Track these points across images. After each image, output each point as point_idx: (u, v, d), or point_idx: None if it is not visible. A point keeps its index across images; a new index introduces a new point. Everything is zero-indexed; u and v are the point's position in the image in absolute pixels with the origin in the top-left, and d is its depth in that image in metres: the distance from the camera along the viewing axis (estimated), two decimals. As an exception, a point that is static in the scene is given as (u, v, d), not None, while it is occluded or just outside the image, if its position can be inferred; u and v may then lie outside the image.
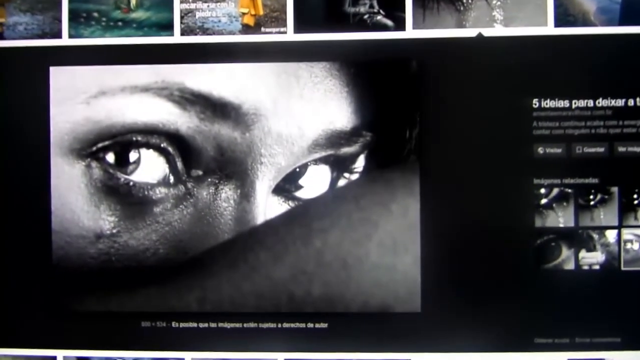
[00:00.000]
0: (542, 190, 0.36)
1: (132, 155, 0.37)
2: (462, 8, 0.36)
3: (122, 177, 0.38)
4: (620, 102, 0.36)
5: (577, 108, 0.36)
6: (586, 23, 0.36)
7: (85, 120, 0.38)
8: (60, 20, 0.38)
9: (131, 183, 0.37)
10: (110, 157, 0.38)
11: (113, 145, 0.38)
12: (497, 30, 0.37)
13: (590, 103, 0.36)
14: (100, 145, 0.38)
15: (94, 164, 0.38)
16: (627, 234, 0.36)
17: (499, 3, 0.36)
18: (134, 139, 0.38)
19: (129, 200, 0.38)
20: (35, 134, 0.38)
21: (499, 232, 0.37)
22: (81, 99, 0.38)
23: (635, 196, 0.36)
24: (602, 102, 0.36)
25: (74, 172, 0.38)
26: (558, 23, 0.36)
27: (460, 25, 0.36)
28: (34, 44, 0.38)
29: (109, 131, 0.38)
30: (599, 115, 0.36)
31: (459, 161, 0.37)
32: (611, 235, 0.36)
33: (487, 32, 0.36)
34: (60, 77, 0.38)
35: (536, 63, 0.37)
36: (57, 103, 0.38)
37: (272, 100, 0.37)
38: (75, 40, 0.38)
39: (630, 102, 0.36)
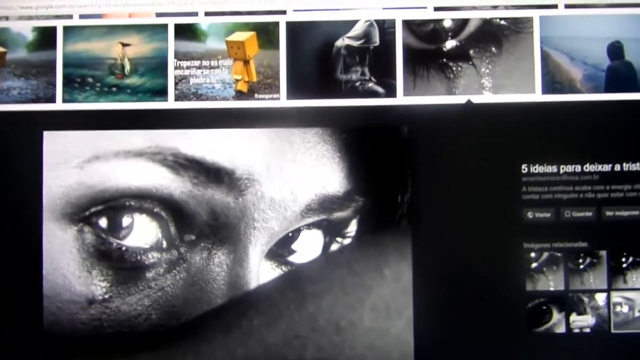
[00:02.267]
0: (533, 254, 0.37)
1: (125, 220, 0.38)
2: (451, 76, 0.37)
3: (115, 242, 0.38)
4: (607, 167, 0.37)
5: (565, 173, 0.37)
6: (573, 90, 0.38)
7: (79, 185, 0.39)
8: (54, 85, 0.39)
9: (124, 248, 0.38)
10: (103, 222, 0.38)
11: (106, 209, 0.39)
12: (486, 98, 0.38)
13: (578, 168, 0.37)
14: (93, 209, 0.39)
15: (86, 228, 0.38)
16: (616, 297, 0.37)
17: (487, 71, 0.37)
18: (127, 203, 0.38)
19: (122, 265, 0.38)
20: (28, 198, 0.39)
21: (490, 296, 0.37)
22: (75, 164, 0.39)
23: (623, 260, 0.37)
24: (589, 168, 0.37)
25: (66, 237, 0.39)
26: (545, 90, 0.38)
27: (450, 92, 0.38)
28: (27, 109, 0.39)
29: (102, 196, 0.39)
30: (587, 180, 0.37)
31: (450, 226, 0.38)
32: (601, 298, 0.37)
33: (476, 99, 0.38)
34: (54, 142, 0.39)
35: (524, 129, 0.38)
36: (50, 167, 0.39)
37: (266, 165, 0.38)
38: (69, 105, 0.39)
39: (617, 168, 0.37)
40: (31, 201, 0.41)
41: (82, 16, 0.41)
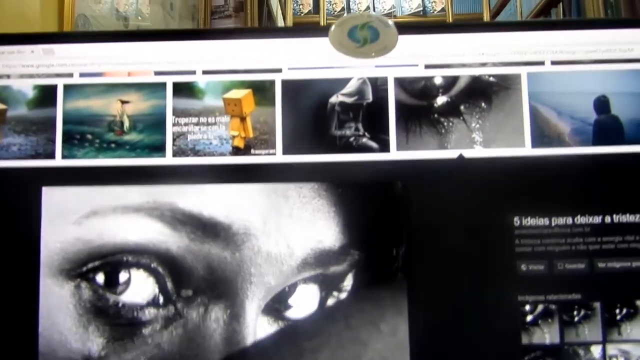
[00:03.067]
0: (527, 307, 0.38)
1: (122, 276, 0.39)
2: (443, 131, 0.39)
3: (112, 297, 0.38)
4: (597, 219, 0.38)
5: (557, 226, 0.38)
6: (562, 144, 0.39)
7: (76, 240, 0.39)
8: (53, 142, 0.40)
9: (120, 304, 0.38)
10: (100, 278, 0.39)
11: (103, 265, 0.39)
12: (477, 152, 0.39)
13: (570, 220, 0.38)
14: (90, 265, 0.39)
15: (83, 284, 0.39)
16: (611, 349, 0.38)
17: (477, 126, 0.39)
18: (125, 259, 0.39)
19: (118, 322, 0.38)
20: (26, 254, 0.39)
21: (486, 350, 0.38)
22: (73, 219, 0.40)
23: (617, 311, 0.38)
24: (580, 220, 0.38)
25: (63, 293, 0.39)
26: (535, 144, 0.39)
27: (442, 147, 0.39)
28: (27, 165, 0.40)
29: (99, 251, 0.39)
30: (579, 232, 0.38)
31: (445, 279, 0.38)
32: (596, 350, 0.38)
33: (468, 153, 0.38)
34: (53, 197, 0.40)
35: (516, 183, 0.39)
36: (49, 223, 0.39)
37: (262, 220, 0.39)
38: (69, 161, 0.40)
39: (607, 219, 0.38)
40: (29, 257, 0.41)
41: (82, 74, 0.43)
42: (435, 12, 3.08)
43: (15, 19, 0.79)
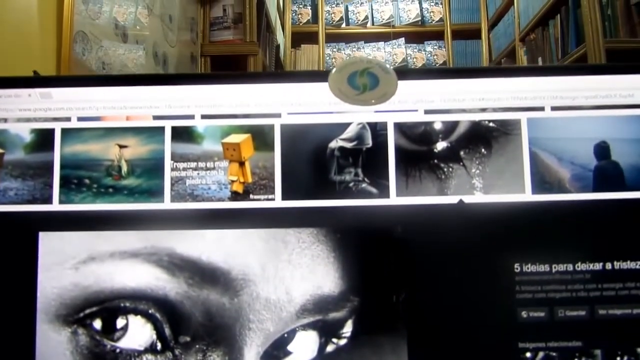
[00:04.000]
0: (528, 354, 0.38)
1: (120, 322, 0.38)
2: (443, 176, 0.38)
3: (109, 344, 0.38)
4: (598, 266, 0.38)
5: (558, 272, 0.38)
6: (562, 190, 0.39)
7: (74, 286, 0.39)
8: (51, 186, 0.39)
9: (118, 350, 0.38)
10: (98, 324, 0.39)
11: (101, 311, 0.39)
12: (478, 198, 0.38)
13: (570, 267, 0.38)
14: (87, 311, 0.39)
15: (80, 330, 0.39)
16: (613, 397, 0.37)
17: (478, 172, 0.39)
18: (122, 304, 0.39)
19: (116, 369, 0.38)
20: (22, 299, 0.38)
21: (487, 398, 0.37)
22: (70, 265, 0.39)
23: (618, 359, 0.37)
24: (581, 267, 0.38)
25: (59, 339, 0.39)
26: (535, 190, 0.39)
27: (442, 192, 0.39)
28: (24, 209, 0.39)
29: (97, 297, 0.39)
30: (579, 279, 0.38)
31: (445, 325, 0.38)
32: (598, 399, 0.37)
33: (468, 199, 0.38)
34: (50, 243, 0.40)
35: (516, 229, 0.39)
36: (46, 269, 0.39)
37: (261, 265, 0.38)
38: (66, 206, 0.39)
39: (608, 266, 0.38)
40: (25, 302, 0.41)
41: (80, 118, 0.42)
42: (433, 22, 3.09)
43: (14, 39, 0.79)
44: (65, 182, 0.43)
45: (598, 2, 1.99)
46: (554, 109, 0.43)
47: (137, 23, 1.29)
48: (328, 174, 0.43)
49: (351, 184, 0.43)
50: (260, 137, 0.43)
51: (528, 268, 0.42)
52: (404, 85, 0.42)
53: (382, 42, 3.09)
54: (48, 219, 0.43)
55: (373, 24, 3.11)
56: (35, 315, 0.41)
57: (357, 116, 0.43)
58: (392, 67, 0.41)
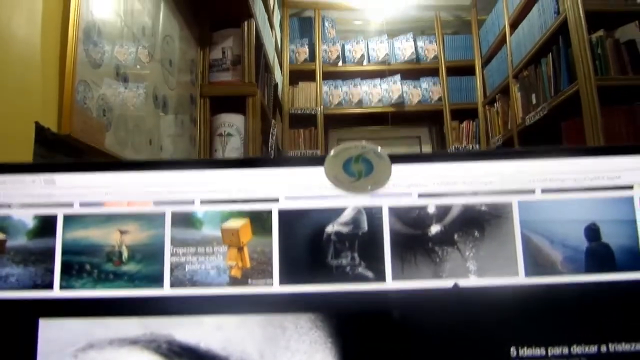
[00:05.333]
0: None
1: (118, 410, 0.38)
2: (438, 260, 0.39)
3: None
4: (593, 349, 0.38)
5: (554, 356, 0.39)
6: (555, 272, 0.39)
7: (72, 374, 0.39)
8: (52, 272, 0.40)
9: None
10: (96, 413, 0.38)
11: (99, 399, 0.38)
12: (472, 281, 0.39)
13: (566, 350, 0.38)
14: (86, 399, 0.38)
15: (78, 419, 0.38)
16: None
17: (472, 255, 0.39)
18: (121, 392, 0.38)
19: None
20: (20, 388, 0.38)
21: None
22: (69, 352, 0.40)
23: None
24: (576, 350, 0.39)
25: None
26: (528, 273, 0.39)
27: (437, 276, 0.39)
28: (24, 296, 0.40)
29: (95, 385, 0.38)
30: (575, 362, 0.38)
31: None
32: None
33: (463, 282, 0.39)
34: (49, 330, 0.40)
35: (511, 312, 0.39)
36: (45, 356, 0.40)
37: (259, 352, 0.39)
38: (66, 292, 0.40)
39: (603, 349, 0.38)
40: (23, 391, 0.41)
41: (82, 204, 0.43)
42: (428, 59, 3.16)
43: (16, 90, 0.81)
44: (66, 268, 0.44)
45: (588, 41, 2.04)
46: (544, 191, 0.44)
47: (137, 62, 1.32)
48: (325, 258, 0.43)
49: (348, 268, 0.43)
50: (259, 222, 0.44)
51: (524, 352, 0.42)
52: (397, 169, 0.44)
53: (379, 79, 3.15)
54: (48, 306, 0.43)
55: (369, 62, 3.18)
56: (33, 404, 0.41)
57: (353, 200, 0.44)
58: (386, 152, 0.42)
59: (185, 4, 1.75)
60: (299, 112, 3.10)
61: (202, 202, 0.44)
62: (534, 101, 2.47)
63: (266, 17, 2.42)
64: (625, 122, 2.01)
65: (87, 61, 1.04)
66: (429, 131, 3.25)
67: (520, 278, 0.43)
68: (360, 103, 3.12)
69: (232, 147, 1.95)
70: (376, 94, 3.14)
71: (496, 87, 2.90)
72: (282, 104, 3.05)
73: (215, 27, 2.01)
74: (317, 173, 0.44)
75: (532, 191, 0.44)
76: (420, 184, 0.44)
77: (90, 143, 1.00)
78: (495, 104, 2.95)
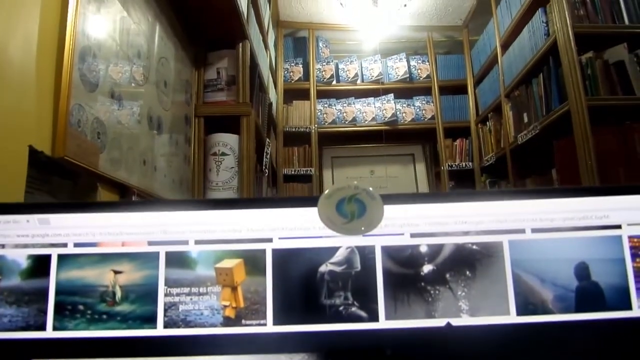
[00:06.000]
0: None
1: None
2: (430, 299, 0.39)
3: None
4: (585, 388, 0.38)
5: None
6: (546, 311, 0.40)
7: (64, 417, 0.38)
8: (45, 313, 0.40)
9: None
10: None
11: None
12: (464, 320, 0.39)
13: (557, 389, 0.38)
14: None
15: None
16: None
17: (463, 294, 0.40)
18: None
19: None
20: None
21: None
22: (61, 394, 0.39)
23: None
24: (568, 389, 0.38)
25: None
26: (520, 311, 0.39)
27: (429, 315, 0.40)
28: (17, 337, 0.39)
29: None
30: (567, 401, 0.38)
31: None
32: None
33: (455, 321, 0.39)
34: (42, 371, 0.39)
35: (503, 350, 0.39)
36: None
37: (253, 393, 0.38)
38: (59, 332, 0.40)
39: None
40: None
41: (76, 244, 0.43)
42: (421, 78, 3.19)
43: (9, 113, 0.81)
44: (59, 309, 0.44)
45: (578, 62, 2.08)
46: (534, 231, 0.45)
47: (132, 85, 1.32)
48: (318, 298, 0.44)
49: (341, 308, 0.44)
50: (252, 262, 0.44)
51: (516, 391, 0.42)
52: (390, 210, 0.44)
53: (372, 98, 3.17)
54: (41, 347, 0.43)
55: (363, 81, 3.21)
56: None
57: (346, 240, 0.44)
58: (379, 193, 0.43)
59: (180, 25, 1.77)
60: (293, 129, 3.11)
61: (197, 242, 0.44)
62: (525, 120, 2.50)
63: (261, 37, 2.44)
64: (616, 141, 2.04)
65: (82, 84, 1.04)
66: (422, 149, 3.27)
67: (511, 317, 0.43)
68: (354, 121, 3.14)
69: (226, 167, 1.95)
70: (370, 112, 3.16)
71: (488, 105, 2.93)
72: (276, 122, 3.06)
73: (210, 47, 2.03)
74: (310, 213, 0.44)
75: (523, 231, 0.45)
76: (413, 224, 0.44)
77: (84, 165, 1.00)
78: (487, 123, 2.97)
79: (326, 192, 0.44)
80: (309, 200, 0.44)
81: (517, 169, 2.65)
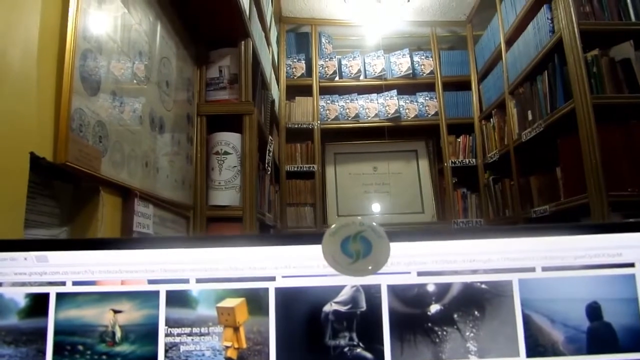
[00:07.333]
0: None
1: None
2: (437, 340, 0.38)
3: None
4: None
5: None
6: (556, 353, 0.39)
7: None
8: (44, 353, 0.39)
9: None
10: None
11: None
12: (473, 362, 0.38)
13: None
14: None
15: None
16: None
17: (472, 335, 0.39)
18: None
19: None
20: None
21: None
22: None
23: None
24: None
25: None
26: (530, 353, 0.38)
27: (436, 357, 0.39)
28: None
29: None
30: None
31: None
32: None
33: None
34: (41, 414, 0.38)
35: (512, 394, 0.38)
36: None
37: None
38: (58, 374, 0.38)
39: None
40: None
41: (75, 283, 0.42)
42: (424, 74, 3.16)
43: (10, 118, 0.79)
44: (58, 349, 0.43)
45: (583, 60, 2.05)
46: (544, 269, 0.43)
47: (133, 87, 1.31)
48: (323, 338, 0.43)
49: (346, 349, 0.42)
50: (255, 301, 0.43)
51: None
52: (396, 247, 0.43)
53: (375, 94, 3.14)
54: (40, 388, 0.42)
55: (366, 77, 3.17)
56: None
57: (351, 278, 0.43)
58: (382, 224, 0.42)
59: (182, 24, 1.75)
60: (296, 126, 3.09)
61: (198, 280, 0.43)
62: (530, 117, 2.47)
63: (263, 34, 2.41)
64: (622, 140, 2.01)
65: (83, 88, 1.03)
66: (425, 145, 3.25)
67: (521, 359, 0.42)
68: (357, 117, 3.11)
69: (229, 165, 1.94)
70: (373, 108, 3.14)
71: (492, 102, 2.90)
72: (278, 119, 3.04)
73: (212, 45, 2.00)
74: (314, 250, 0.43)
75: (533, 269, 0.43)
76: (420, 262, 0.43)
77: (86, 170, 0.99)
78: (491, 119, 2.95)
79: (330, 229, 0.42)
80: (313, 238, 0.43)
81: (521, 166, 2.62)
